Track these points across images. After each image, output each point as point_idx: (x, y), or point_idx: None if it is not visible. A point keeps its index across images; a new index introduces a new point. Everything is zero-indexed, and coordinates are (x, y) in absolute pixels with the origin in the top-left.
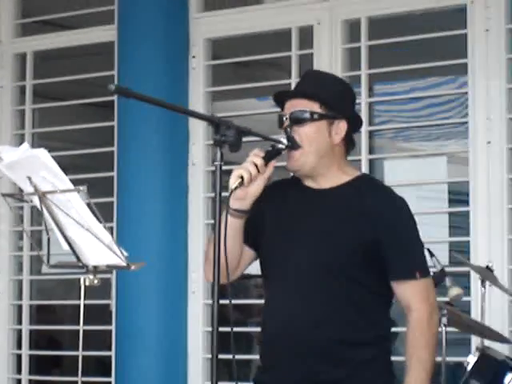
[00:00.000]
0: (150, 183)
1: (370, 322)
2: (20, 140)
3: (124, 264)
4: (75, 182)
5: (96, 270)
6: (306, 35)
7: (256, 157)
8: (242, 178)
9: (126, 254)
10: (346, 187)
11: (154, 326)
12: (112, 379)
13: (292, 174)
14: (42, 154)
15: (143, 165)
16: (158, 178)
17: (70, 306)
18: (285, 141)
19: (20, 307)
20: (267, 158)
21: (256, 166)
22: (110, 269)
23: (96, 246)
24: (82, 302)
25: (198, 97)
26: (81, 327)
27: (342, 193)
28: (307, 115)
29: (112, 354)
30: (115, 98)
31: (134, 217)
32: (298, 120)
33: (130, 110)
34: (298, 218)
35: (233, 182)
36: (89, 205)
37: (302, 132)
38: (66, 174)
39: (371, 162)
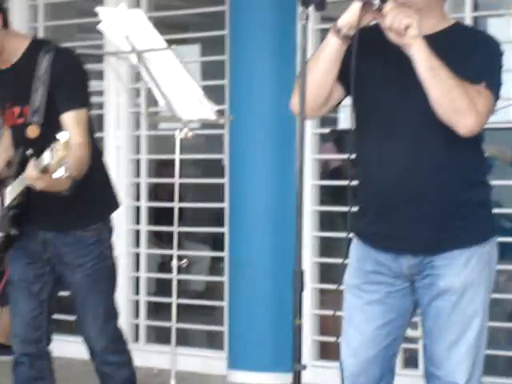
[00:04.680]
0: (261, 41)
1: None
2: None
3: (214, 117)
4: (187, 40)
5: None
6: None
7: None
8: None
9: (215, 108)
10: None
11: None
12: (225, 229)
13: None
14: (138, 14)
15: (254, 24)
16: (268, 36)
17: None
18: None
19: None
20: None
21: None
22: (201, 122)
23: (189, 101)
24: (177, 156)
25: None
26: (176, 181)
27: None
28: None
29: (226, 205)
30: None
31: (245, 74)
32: None
33: None
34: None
35: None
36: (181, 62)
37: None
38: (181, 32)
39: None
